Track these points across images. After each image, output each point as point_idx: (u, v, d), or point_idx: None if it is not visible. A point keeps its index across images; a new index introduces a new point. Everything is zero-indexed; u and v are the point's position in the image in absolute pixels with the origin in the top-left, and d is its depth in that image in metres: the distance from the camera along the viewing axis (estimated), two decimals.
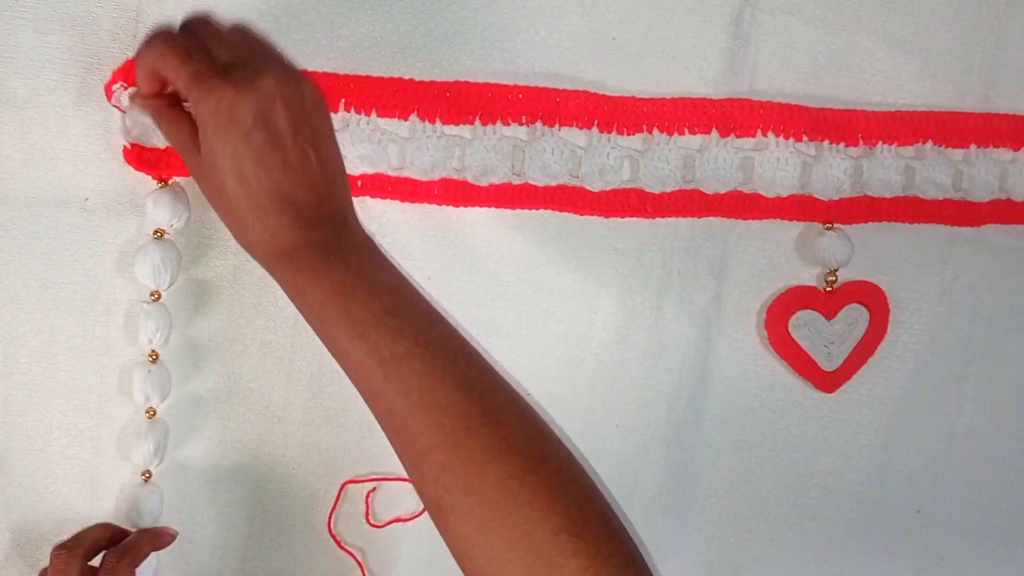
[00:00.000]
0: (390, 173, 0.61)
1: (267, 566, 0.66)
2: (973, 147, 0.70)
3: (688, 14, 0.65)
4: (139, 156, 0.57)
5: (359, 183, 0.61)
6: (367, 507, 0.66)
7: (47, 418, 0.61)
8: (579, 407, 0.68)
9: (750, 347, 0.70)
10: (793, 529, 0.74)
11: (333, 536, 0.65)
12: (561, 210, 0.64)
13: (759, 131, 0.66)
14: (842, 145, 0.67)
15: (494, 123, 0.62)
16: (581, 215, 0.65)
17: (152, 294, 0.60)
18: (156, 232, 0.59)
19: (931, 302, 0.72)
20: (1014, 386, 0.75)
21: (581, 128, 0.64)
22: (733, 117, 0.66)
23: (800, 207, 0.68)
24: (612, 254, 0.66)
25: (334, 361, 0.48)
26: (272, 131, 0.47)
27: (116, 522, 0.62)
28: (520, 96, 0.63)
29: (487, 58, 0.63)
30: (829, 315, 0.70)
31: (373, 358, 0.46)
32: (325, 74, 0.60)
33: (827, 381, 0.71)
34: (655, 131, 0.65)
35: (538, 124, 0.63)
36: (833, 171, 0.67)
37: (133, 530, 0.61)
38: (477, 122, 0.62)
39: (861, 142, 0.68)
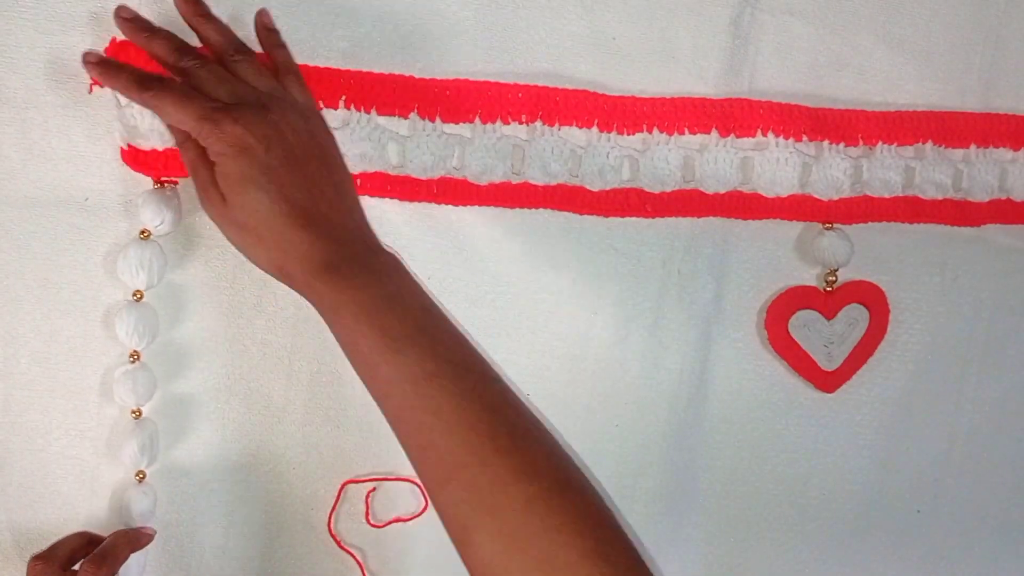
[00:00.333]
0: (390, 172, 0.61)
1: (267, 567, 0.66)
2: (973, 147, 0.70)
3: (688, 14, 0.65)
4: (136, 157, 0.57)
5: (359, 182, 0.61)
6: (367, 507, 0.66)
7: (47, 418, 0.61)
8: (579, 407, 0.68)
9: (750, 347, 0.70)
10: (793, 529, 0.74)
11: (333, 536, 0.65)
12: (561, 210, 0.64)
13: (759, 131, 0.66)
14: (842, 145, 0.67)
15: (494, 122, 0.62)
16: (581, 215, 0.65)
17: (135, 294, 0.60)
18: (142, 232, 0.59)
19: (931, 302, 0.72)
20: (1014, 386, 0.75)
21: (581, 128, 0.64)
22: (733, 117, 0.66)
23: (800, 207, 0.68)
24: (612, 254, 0.66)
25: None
26: (287, 155, 0.49)
27: (114, 523, 0.62)
28: (520, 95, 0.63)
29: (487, 57, 0.63)
30: (829, 315, 0.70)
31: (404, 374, 0.46)
32: (325, 70, 0.60)
33: (827, 381, 0.71)
34: (655, 131, 0.65)
35: (538, 123, 0.63)
36: (833, 171, 0.67)
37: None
38: (477, 121, 0.62)
39: (861, 142, 0.68)
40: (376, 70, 0.61)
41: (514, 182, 0.63)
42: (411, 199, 0.62)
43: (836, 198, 0.67)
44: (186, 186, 0.59)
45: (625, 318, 0.68)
